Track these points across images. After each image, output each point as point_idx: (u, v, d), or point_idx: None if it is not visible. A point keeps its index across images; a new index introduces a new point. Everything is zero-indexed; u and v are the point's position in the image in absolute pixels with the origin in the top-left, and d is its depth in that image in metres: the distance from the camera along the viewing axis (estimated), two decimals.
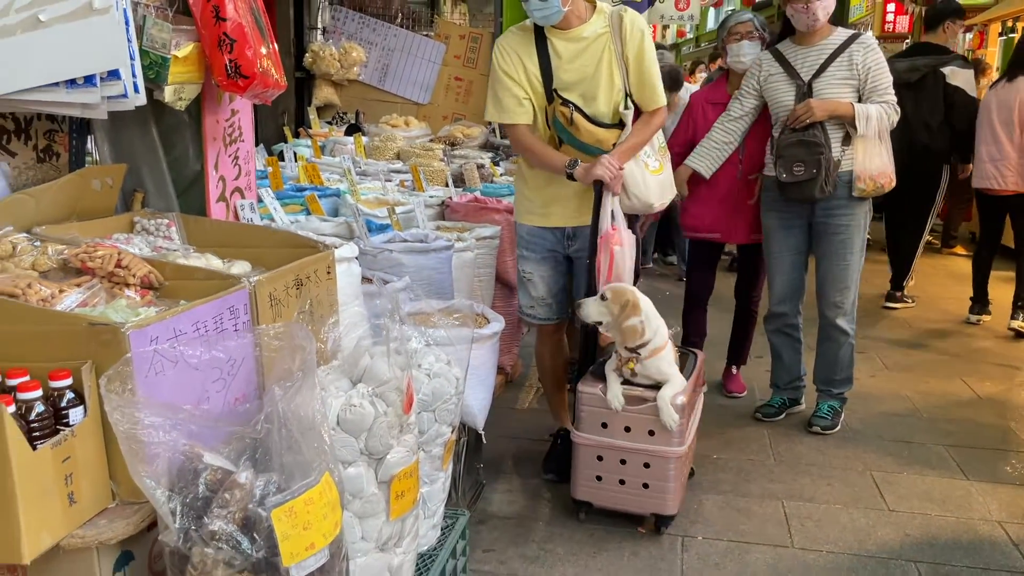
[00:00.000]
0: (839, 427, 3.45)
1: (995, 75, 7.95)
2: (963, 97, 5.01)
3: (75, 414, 1.41)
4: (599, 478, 2.63)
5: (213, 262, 1.99)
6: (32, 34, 1.58)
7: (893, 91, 3.18)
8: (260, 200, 2.73)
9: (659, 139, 2.93)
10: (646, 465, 2.57)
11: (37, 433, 1.34)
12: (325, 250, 2.15)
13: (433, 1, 8.69)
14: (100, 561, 1.42)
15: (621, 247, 2.66)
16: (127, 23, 1.71)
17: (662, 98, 2.73)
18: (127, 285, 1.72)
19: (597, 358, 2.84)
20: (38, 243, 1.79)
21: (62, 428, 1.38)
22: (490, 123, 6.22)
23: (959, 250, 7.31)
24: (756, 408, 3.65)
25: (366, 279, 2.58)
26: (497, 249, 3.56)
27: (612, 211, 2.67)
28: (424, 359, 2.01)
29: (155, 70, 1.92)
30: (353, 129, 6.22)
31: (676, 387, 2.56)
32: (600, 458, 2.61)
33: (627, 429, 2.57)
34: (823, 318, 3.42)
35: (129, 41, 1.72)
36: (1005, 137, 4.73)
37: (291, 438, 1.41)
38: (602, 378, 2.65)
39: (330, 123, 6.72)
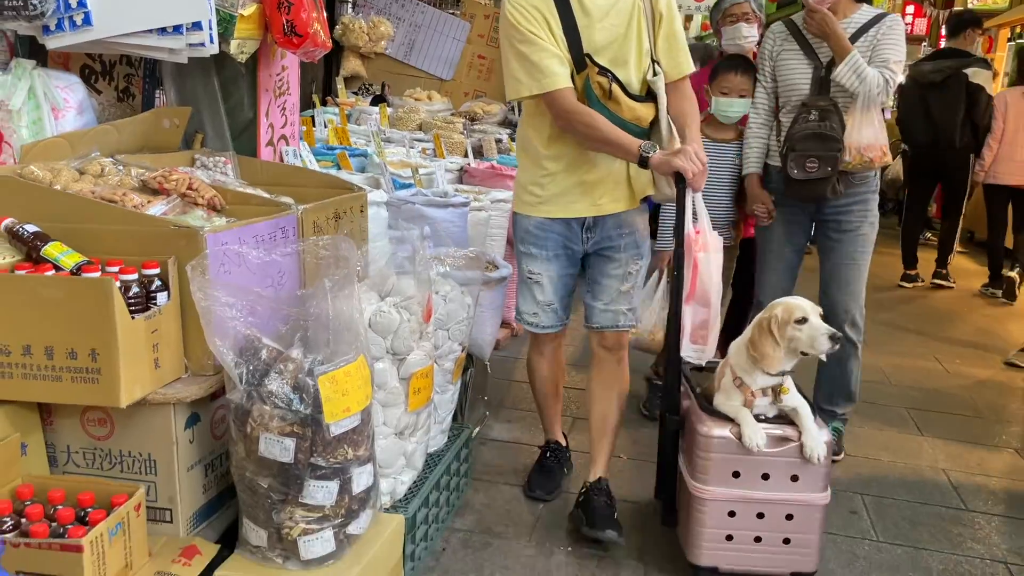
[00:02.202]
0: (842, 454, 3.08)
1: (1003, 79, 8.23)
2: (984, 95, 5.52)
3: (161, 297, 1.75)
4: (729, 537, 2.14)
5: (262, 196, 2.33)
6: None
7: (898, 72, 2.82)
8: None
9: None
10: (789, 517, 2.12)
11: (133, 307, 1.67)
12: (359, 191, 2.49)
13: None
14: (176, 417, 1.76)
15: (707, 253, 2.24)
16: None
17: (690, 62, 2.33)
18: (196, 204, 2.06)
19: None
20: (121, 167, 2.13)
21: (152, 306, 1.72)
22: (509, 101, 6.53)
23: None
24: None
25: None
26: (510, 212, 3.88)
27: (695, 210, 2.26)
28: (441, 287, 2.34)
29: (224, 25, 2.24)
30: (378, 100, 6.54)
31: (810, 411, 2.15)
32: (732, 514, 2.13)
33: (765, 476, 2.11)
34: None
35: None
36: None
37: (334, 325, 1.74)
38: (723, 417, 2.16)
39: (356, 93, 7.02)
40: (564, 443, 2.77)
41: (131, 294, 1.68)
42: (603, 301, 2.42)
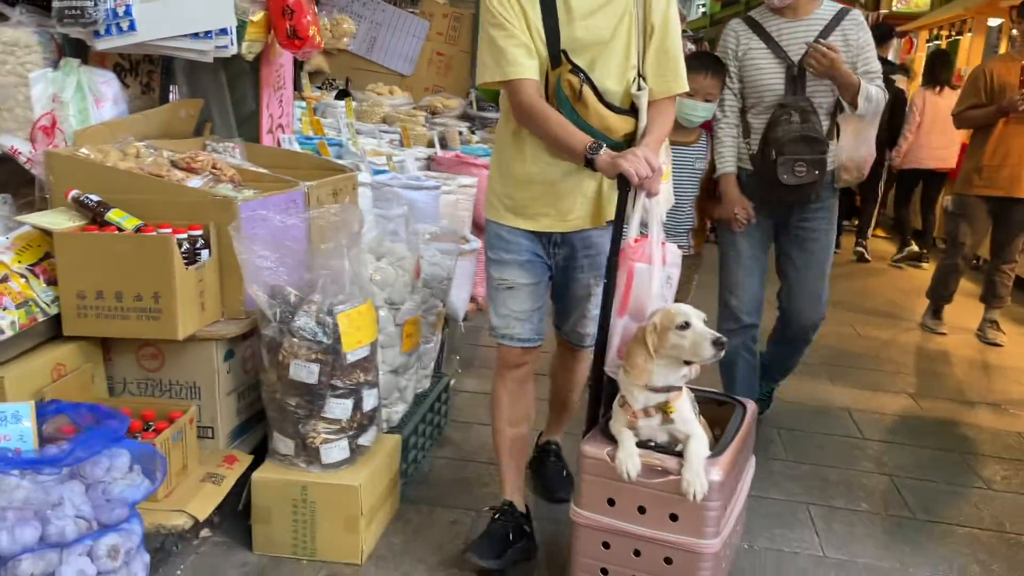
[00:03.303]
0: (769, 408, 3.28)
1: (919, 79, 8.94)
2: (903, 97, 6.53)
3: (204, 254, 2.15)
4: (604, 572, 1.95)
5: (270, 175, 2.73)
6: (171, 1, 2.29)
7: (880, 77, 2.79)
8: None
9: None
10: (667, 561, 1.88)
11: (185, 260, 2.07)
12: (351, 172, 2.91)
13: None
14: (217, 351, 2.17)
15: (647, 265, 1.99)
16: None
17: (684, 82, 2.14)
18: (219, 181, 2.46)
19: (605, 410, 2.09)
20: (153, 149, 2.51)
21: (198, 260, 2.12)
22: (468, 94, 6.93)
23: (878, 232, 8.27)
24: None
25: None
26: (474, 197, 4.32)
27: (642, 218, 2.04)
28: (426, 252, 2.77)
29: (237, 30, 2.63)
30: (343, 94, 6.90)
31: (706, 443, 1.90)
32: (607, 545, 1.93)
33: (641, 510, 1.88)
34: (790, 330, 3.01)
35: None
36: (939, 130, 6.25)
37: (349, 276, 2.16)
38: (610, 439, 1.94)
39: (320, 88, 7.37)
40: (524, 509, 2.30)
41: (183, 250, 2.08)
42: (570, 322, 2.34)
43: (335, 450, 2.17)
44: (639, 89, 2.09)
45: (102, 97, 2.47)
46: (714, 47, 3.53)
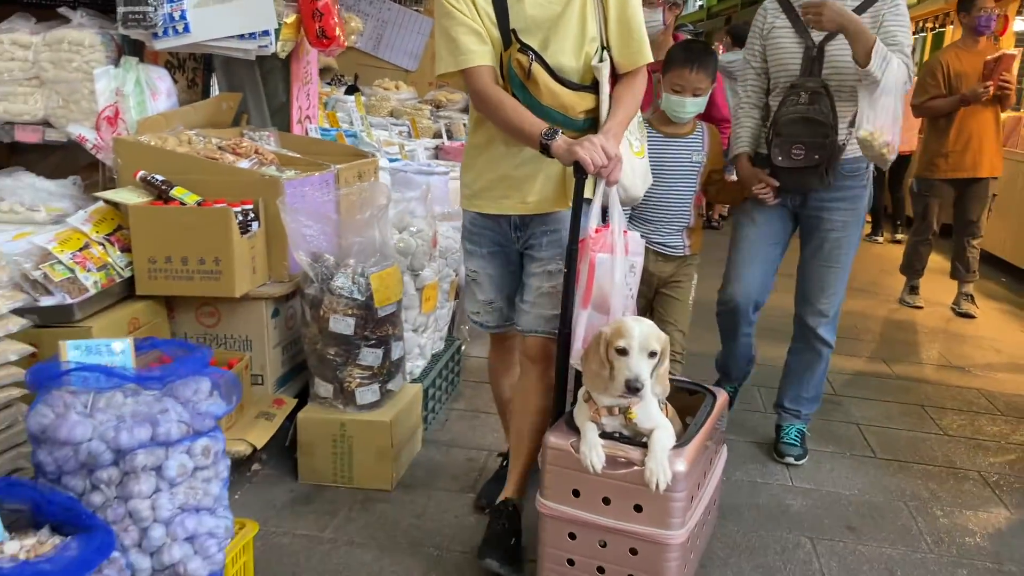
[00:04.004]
0: (805, 458, 2.91)
1: None
2: None
3: (254, 225, 2.49)
4: (571, 562, 1.95)
5: (303, 159, 3.07)
6: (220, 6, 2.64)
7: (910, 56, 2.59)
8: None
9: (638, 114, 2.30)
10: (633, 552, 1.87)
11: (239, 229, 2.42)
12: (373, 157, 3.25)
13: None
14: (266, 308, 2.52)
15: (609, 255, 1.97)
16: None
17: (648, 53, 2.08)
18: (263, 164, 2.80)
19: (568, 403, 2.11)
20: (202, 137, 2.85)
21: (249, 230, 2.47)
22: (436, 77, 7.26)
23: None
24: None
25: None
26: None
27: (604, 207, 2.02)
28: (441, 227, 3.11)
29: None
30: (352, 90, 7.23)
31: (671, 434, 1.90)
32: (573, 536, 1.92)
33: (606, 501, 1.88)
34: (801, 326, 2.87)
35: None
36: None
37: (378, 243, 2.50)
38: (575, 429, 1.93)
39: (329, 84, 7.70)
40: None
41: (238, 221, 2.42)
42: (527, 302, 2.20)
43: (368, 393, 2.52)
44: (600, 61, 2.04)
45: (157, 91, 2.82)
46: (711, 39, 3.68)
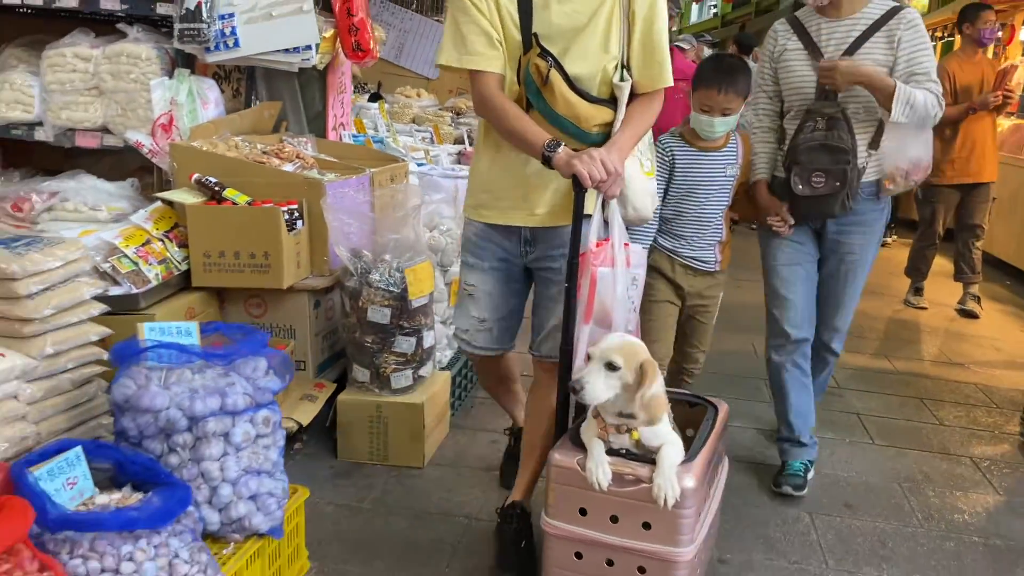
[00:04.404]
0: (805, 489, 2.74)
1: None
2: None
3: (299, 223, 2.72)
4: None
5: (339, 163, 3.30)
6: (267, 23, 2.87)
7: (938, 80, 2.52)
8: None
9: (648, 134, 2.27)
10: (641, 570, 1.86)
11: (286, 227, 2.65)
12: (403, 162, 3.48)
13: None
14: (308, 300, 2.74)
15: (611, 268, 1.97)
16: None
17: (668, 78, 2.07)
18: (305, 167, 3.03)
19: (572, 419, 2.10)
20: (248, 143, 3.08)
21: (294, 228, 2.69)
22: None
23: None
24: (780, 479, 2.77)
25: None
26: None
27: (606, 220, 2.03)
28: None
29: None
30: (375, 97, 7.48)
31: (679, 449, 1.87)
32: (579, 555, 1.91)
33: (614, 519, 1.86)
34: (816, 341, 2.85)
35: None
36: None
37: (412, 240, 2.73)
38: (580, 446, 1.91)
39: (353, 92, 7.96)
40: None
41: (285, 219, 2.65)
42: (548, 327, 2.18)
43: (402, 378, 2.74)
44: (622, 80, 2.02)
45: (207, 100, 3.06)
46: (724, 47, 3.67)
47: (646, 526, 1.84)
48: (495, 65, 2.00)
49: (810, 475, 2.80)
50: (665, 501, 1.79)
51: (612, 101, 2.06)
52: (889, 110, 2.47)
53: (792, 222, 2.70)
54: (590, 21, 2.00)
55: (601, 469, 1.83)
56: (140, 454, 1.83)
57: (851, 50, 2.53)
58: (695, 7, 26.18)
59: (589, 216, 2.01)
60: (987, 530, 2.59)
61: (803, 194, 2.57)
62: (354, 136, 5.01)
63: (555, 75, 1.97)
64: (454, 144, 5.78)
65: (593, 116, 2.03)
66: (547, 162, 1.94)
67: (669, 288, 2.76)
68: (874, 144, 2.59)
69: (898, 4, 2.59)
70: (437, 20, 8.11)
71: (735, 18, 20.84)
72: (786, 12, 2.73)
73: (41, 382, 1.89)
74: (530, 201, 2.10)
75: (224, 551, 1.85)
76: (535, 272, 2.20)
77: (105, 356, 2.04)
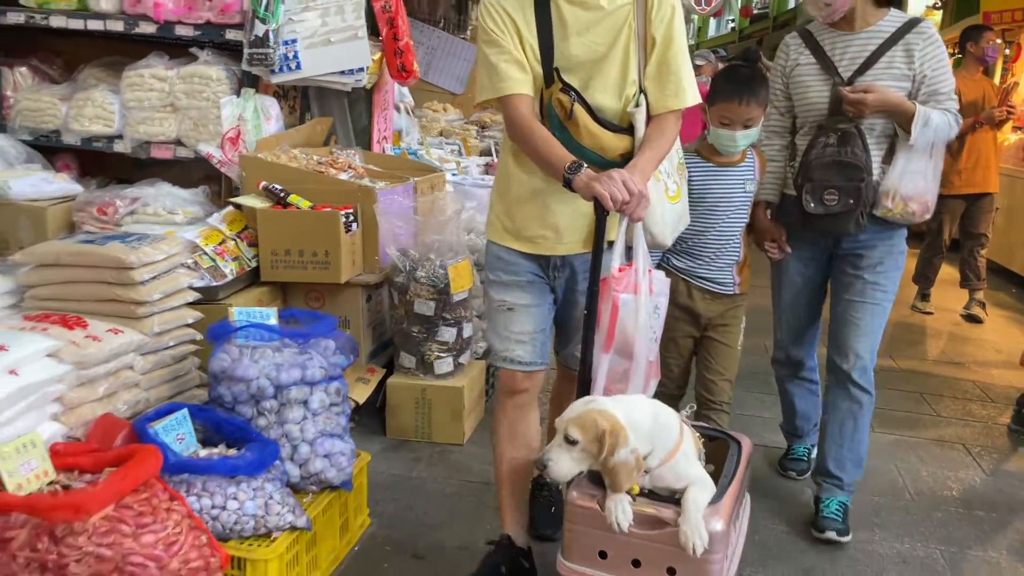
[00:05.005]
0: (849, 535, 2.59)
1: None
2: None
3: (354, 226, 3.06)
4: None
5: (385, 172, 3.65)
6: (326, 48, 3.23)
7: (956, 98, 2.50)
8: None
9: (678, 153, 2.33)
10: None
11: (344, 229, 2.98)
12: (440, 172, 3.82)
13: (461, 5, 10.35)
14: (361, 294, 3.08)
15: (633, 295, 1.93)
16: None
17: (686, 98, 2.05)
18: (358, 177, 3.38)
19: None
20: (304, 155, 3.43)
21: (350, 230, 3.03)
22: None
23: None
24: (784, 462, 2.99)
25: None
26: None
27: (628, 245, 1.98)
28: None
29: None
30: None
31: (707, 490, 1.78)
32: None
33: (636, 563, 1.76)
34: (834, 373, 2.62)
35: None
36: None
37: (453, 241, 3.06)
38: (600, 484, 1.81)
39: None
40: (525, 544, 2.23)
41: (342, 222, 2.99)
42: (569, 347, 2.24)
43: (444, 364, 3.06)
44: (636, 106, 2.03)
45: (269, 116, 3.41)
46: (745, 57, 3.59)
47: (671, 571, 1.73)
48: (525, 88, 2.02)
49: (813, 454, 2.94)
50: (694, 548, 1.68)
51: (632, 128, 2.06)
52: (908, 131, 2.41)
53: (789, 251, 2.64)
54: (610, 51, 2.02)
55: (621, 509, 1.73)
56: (234, 416, 2.16)
57: (867, 64, 2.46)
58: (712, 21, 26.42)
59: (611, 242, 1.98)
60: (972, 503, 2.87)
61: (815, 212, 2.48)
62: (393, 148, 5.38)
63: (579, 109, 2.00)
64: (480, 156, 6.13)
65: (617, 146, 2.05)
66: (568, 184, 1.92)
67: (685, 320, 2.61)
68: (888, 158, 2.50)
69: (915, 16, 2.56)
70: (463, 38, 8.48)
71: (752, 32, 21.11)
72: (808, 22, 2.66)
73: (150, 356, 2.23)
74: (557, 230, 2.09)
75: (304, 500, 2.17)
76: (563, 292, 2.19)
77: (198, 336, 2.39)
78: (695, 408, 1.99)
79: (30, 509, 1.57)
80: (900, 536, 2.63)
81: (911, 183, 2.45)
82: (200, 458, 2.00)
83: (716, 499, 1.78)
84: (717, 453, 2.03)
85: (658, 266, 2.53)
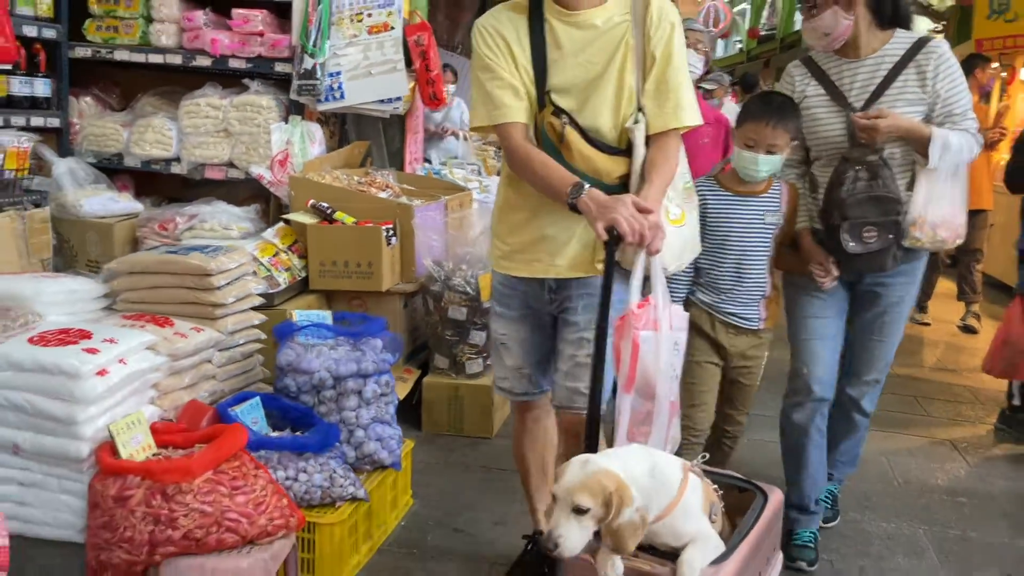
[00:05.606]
0: (838, 519, 2.80)
1: None
2: None
3: (393, 239, 3.39)
4: None
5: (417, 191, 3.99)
6: (367, 79, 3.57)
7: (975, 116, 2.39)
8: None
9: (684, 175, 2.24)
10: None
11: (386, 242, 3.31)
12: (468, 190, 4.16)
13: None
14: (399, 301, 3.40)
15: (654, 332, 1.83)
16: None
17: (684, 117, 1.98)
18: (396, 195, 3.71)
19: None
20: (345, 175, 3.77)
21: (390, 243, 3.36)
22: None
23: None
24: (791, 551, 2.57)
25: None
26: None
27: (647, 277, 1.86)
28: None
29: None
30: None
31: (709, 549, 1.68)
32: None
33: None
34: (842, 395, 2.65)
35: None
36: None
37: (483, 253, 3.38)
38: (596, 536, 1.67)
39: None
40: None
41: (384, 236, 3.32)
42: (561, 372, 2.12)
43: (475, 365, 3.38)
44: (635, 123, 1.97)
45: (314, 140, 3.76)
46: (744, 82, 3.71)
47: None
48: (520, 115, 1.98)
49: (818, 541, 2.65)
50: None
51: (630, 150, 2.00)
52: (925, 156, 2.31)
53: (836, 274, 2.46)
54: (605, 70, 1.97)
55: (611, 564, 1.64)
56: (299, 404, 2.48)
57: (879, 92, 2.35)
58: (720, 42, 26.83)
59: (620, 269, 1.93)
60: (955, 491, 3.15)
61: (855, 251, 2.35)
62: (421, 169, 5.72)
63: (570, 131, 1.95)
64: (498, 176, 6.48)
65: (612, 169, 1.99)
66: (572, 207, 1.86)
67: (710, 347, 2.57)
68: (910, 186, 2.40)
69: (924, 36, 2.43)
70: None
71: (760, 53, 21.44)
72: (809, 49, 2.56)
73: (224, 352, 2.55)
74: (553, 253, 2.05)
75: (360, 477, 2.48)
76: (557, 316, 2.15)
77: (263, 336, 2.71)
78: (707, 456, 1.95)
79: (146, 472, 1.89)
80: (888, 517, 2.92)
81: (937, 209, 2.35)
82: (274, 437, 2.32)
83: (722, 558, 1.67)
84: (745, 504, 1.90)
85: (685, 300, 2.54)
